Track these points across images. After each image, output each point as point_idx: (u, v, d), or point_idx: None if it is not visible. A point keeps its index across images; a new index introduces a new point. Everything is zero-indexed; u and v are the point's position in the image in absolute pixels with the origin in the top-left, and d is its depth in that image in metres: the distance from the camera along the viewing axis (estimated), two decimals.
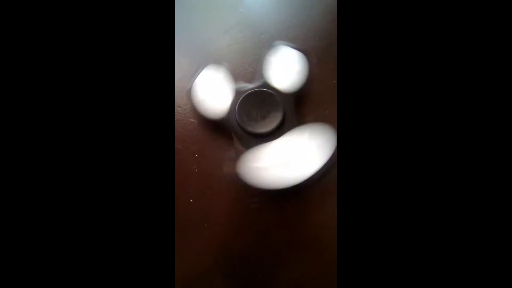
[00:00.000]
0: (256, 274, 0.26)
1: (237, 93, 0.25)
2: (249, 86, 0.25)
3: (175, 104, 0.28)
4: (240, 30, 0.29)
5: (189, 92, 0.26)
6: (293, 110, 0.25)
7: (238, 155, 0.24)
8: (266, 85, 0.25)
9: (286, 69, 0.25)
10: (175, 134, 0.27)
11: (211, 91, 0.26)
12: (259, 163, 0.24)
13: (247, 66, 0.28)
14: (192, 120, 0.28)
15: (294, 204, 0.27)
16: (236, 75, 0.26)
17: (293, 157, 0.23)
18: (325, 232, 0.26)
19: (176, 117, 0.28)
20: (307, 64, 0.26)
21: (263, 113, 0.24)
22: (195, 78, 0.26)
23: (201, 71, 0.26)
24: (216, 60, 0.27)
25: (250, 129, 0.24)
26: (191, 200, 0.27)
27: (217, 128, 0.26)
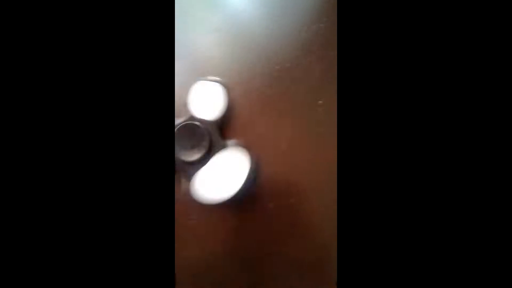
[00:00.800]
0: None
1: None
2: (178, 121, 0.28)
3: None
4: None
5: None
6: (217, 136, 0.28)
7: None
8: (192, 118, 0.28)
9: (207, 101, 0.29)
10: None
11: None
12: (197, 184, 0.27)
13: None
14: None
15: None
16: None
17: (221, 177, 0.27)
18: None
19: None
20: (226, 95, 0.29)
21: (193, 142, 0.27)
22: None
23: None
24: None
25: (184, 158, 0.27)
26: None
27: None
